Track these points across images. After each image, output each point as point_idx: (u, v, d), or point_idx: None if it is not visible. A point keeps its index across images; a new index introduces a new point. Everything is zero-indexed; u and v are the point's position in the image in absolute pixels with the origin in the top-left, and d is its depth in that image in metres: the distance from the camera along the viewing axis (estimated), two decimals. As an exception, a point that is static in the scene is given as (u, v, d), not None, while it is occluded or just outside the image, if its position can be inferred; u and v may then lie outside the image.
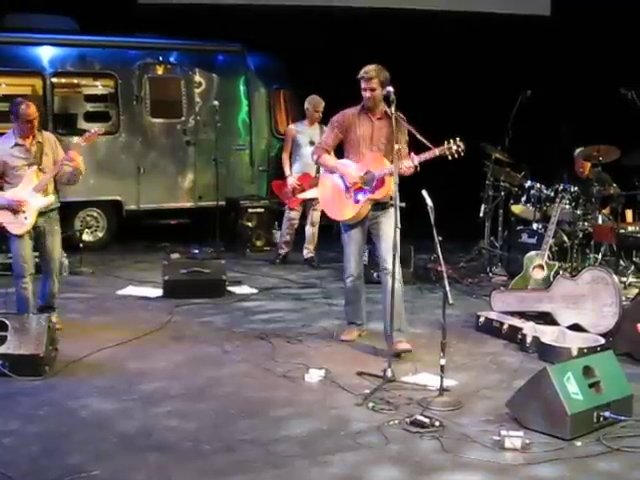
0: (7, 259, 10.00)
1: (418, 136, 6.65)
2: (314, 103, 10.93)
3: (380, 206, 7.04)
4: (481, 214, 10.51)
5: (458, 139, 6.54)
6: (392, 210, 6.61)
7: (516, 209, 10.37)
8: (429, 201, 6.00)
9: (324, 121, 10.74)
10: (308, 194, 10.94)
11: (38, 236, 7.55)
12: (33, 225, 7.44)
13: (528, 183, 10.06)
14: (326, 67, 13.69)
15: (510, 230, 10.47)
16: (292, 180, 10.94)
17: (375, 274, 8.39)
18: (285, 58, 13.42)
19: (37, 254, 7.75)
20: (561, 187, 9.52)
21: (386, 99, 6.78)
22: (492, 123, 10.68)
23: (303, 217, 11.28)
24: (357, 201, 7.03)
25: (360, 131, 7.05)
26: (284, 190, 11.12)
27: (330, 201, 7.26)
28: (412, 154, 6.74)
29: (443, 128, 6.84)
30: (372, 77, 6.89)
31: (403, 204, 6.48)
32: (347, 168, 7.07)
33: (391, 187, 6.64)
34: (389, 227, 6.75)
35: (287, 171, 11.00)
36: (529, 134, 11.16)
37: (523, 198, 10.16)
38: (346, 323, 7.60)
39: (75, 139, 7.53)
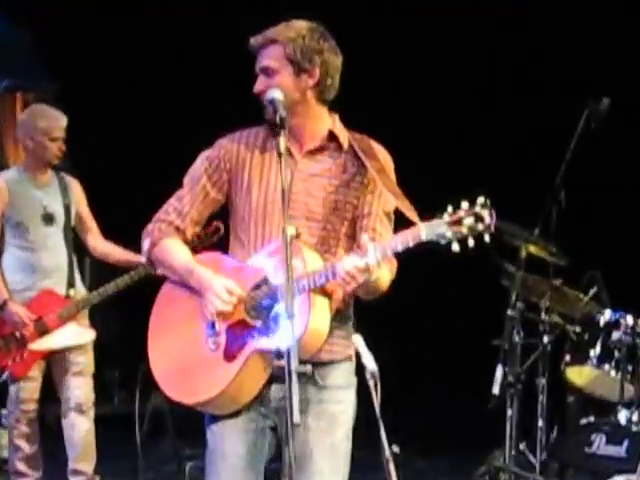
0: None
1: (394, 200, 4.20)
2: (49, 123, 7.00)
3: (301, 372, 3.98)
4: (495, 391, 6.68)
5: (481, 201, 3.76)
6: (340, 393, 4.13)
7: (577, 376, 7.02)
8: (370, 363, 3.98)
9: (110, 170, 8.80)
10: (54, 340, 7.04)
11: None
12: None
13: (606, 315, 6.77)
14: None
15: (565, 426, 7.19)
16: (17, 309, 6.75)
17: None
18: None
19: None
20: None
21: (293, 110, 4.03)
22: (519, 174, 8.33)
23: (49, 398, 7.17)
24: (232, 355, 4.18)
25: (261, 181, 4.34)
26: None
27: (170, 357, 4.38)
28: (363, 240, 3.94)
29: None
30: (268, 41, 4.13)
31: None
32: (212, 278, 4.18)
33: (322, 331, 3.94)
34: (322, 439, 4.06)
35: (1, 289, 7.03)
36: (598, 202, 8.15)
37: (593, 351, 6.84)
38: None
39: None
